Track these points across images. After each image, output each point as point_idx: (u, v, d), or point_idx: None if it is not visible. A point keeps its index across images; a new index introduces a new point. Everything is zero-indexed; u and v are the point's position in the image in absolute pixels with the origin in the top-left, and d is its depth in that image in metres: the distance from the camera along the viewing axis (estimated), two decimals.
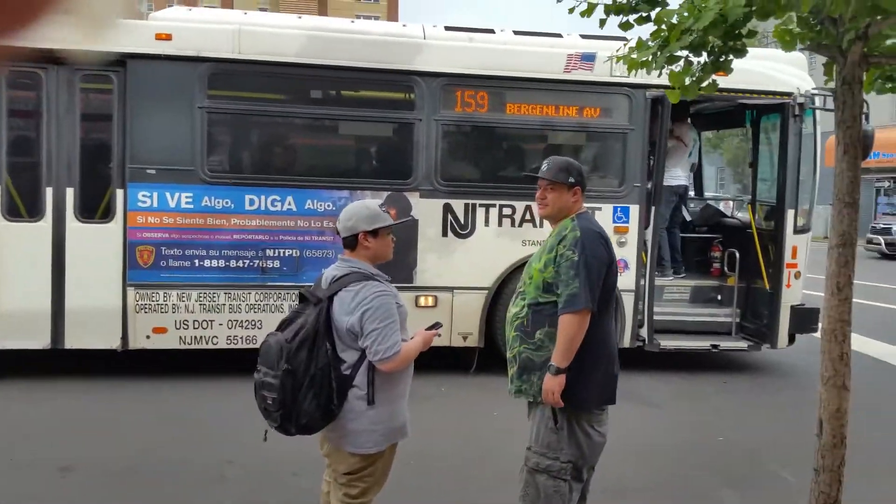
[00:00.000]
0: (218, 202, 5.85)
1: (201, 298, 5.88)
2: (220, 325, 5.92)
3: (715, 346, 6.69)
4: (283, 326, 2.72)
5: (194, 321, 5.89)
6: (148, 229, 5.79)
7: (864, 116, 6.63)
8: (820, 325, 3.21)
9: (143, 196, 5.76)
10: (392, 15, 51.69)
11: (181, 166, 5.78)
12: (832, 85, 3.31)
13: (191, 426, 5.05)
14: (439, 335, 2.87)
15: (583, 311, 2.82)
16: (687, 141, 7.25)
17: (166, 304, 5.85)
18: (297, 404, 2.58)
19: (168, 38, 5.67)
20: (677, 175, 6.99)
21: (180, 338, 5.89)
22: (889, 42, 3.33)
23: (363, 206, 2.82)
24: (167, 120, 5.78)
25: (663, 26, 3.36)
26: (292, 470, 4.28)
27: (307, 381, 2.60)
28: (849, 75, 3.08)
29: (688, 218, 7.20)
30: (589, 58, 6.25)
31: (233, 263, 5.89)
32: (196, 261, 5.85)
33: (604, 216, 6.10)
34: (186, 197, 5.80)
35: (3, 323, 5.65)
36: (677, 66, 3.53)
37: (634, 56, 3.58)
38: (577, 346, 2.82)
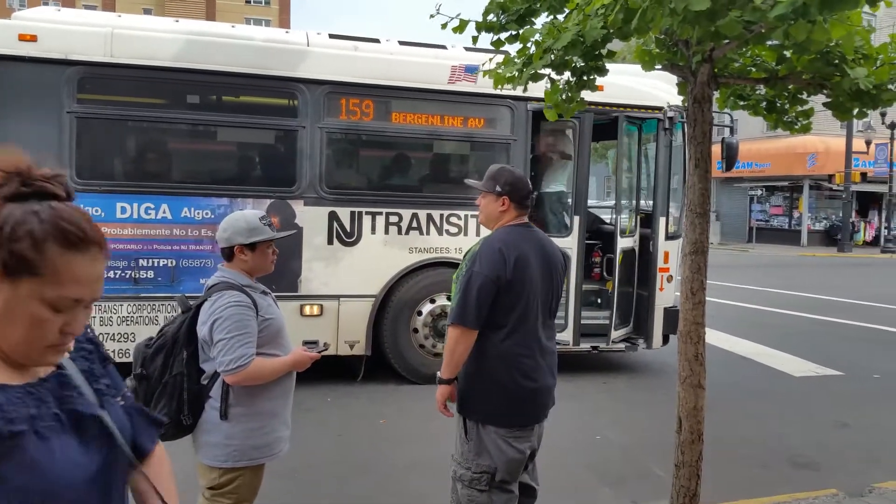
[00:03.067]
0: (87, 210, 5.57)
1: None
2: None
3: (595, 348, 7.04)
4: (160, 332, 2.70)
5: None
6: None
7: (730, 130, 7.33)
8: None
9: None
10: (283, 20, 50.78)
11: None
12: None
13: None
14: (318, 357, 2.74)
15: (459, 327, 2.78)
16: (567, 153, 7.58)
17: None
18: None
19: (33, 39, 5.39)
20: (558, 183, 7.30)
21: None
22: (736, 65, 3.68)
23: (241, 218, 2.71)
24: (32, 124, 5.47)
25: (529, 44, 3.54)
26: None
27: (160, 388, 2.57)
28: (699, 94, 3.30)
29: (567, 224, 7.53)
30: (472, 69, 6.43)
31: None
32: None
33: None
34: None
35: None
36: (546, 84, 3.75)
37: (500, 71, 3.77)
38: (457, 359, 2.82)
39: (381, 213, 6.28)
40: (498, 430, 2.86)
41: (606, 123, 7.03)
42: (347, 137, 6.48)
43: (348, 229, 6.21)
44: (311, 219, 6.10)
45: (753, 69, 3.58)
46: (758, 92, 3.86)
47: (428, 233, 6.37)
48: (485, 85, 6.43)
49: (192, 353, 2.62)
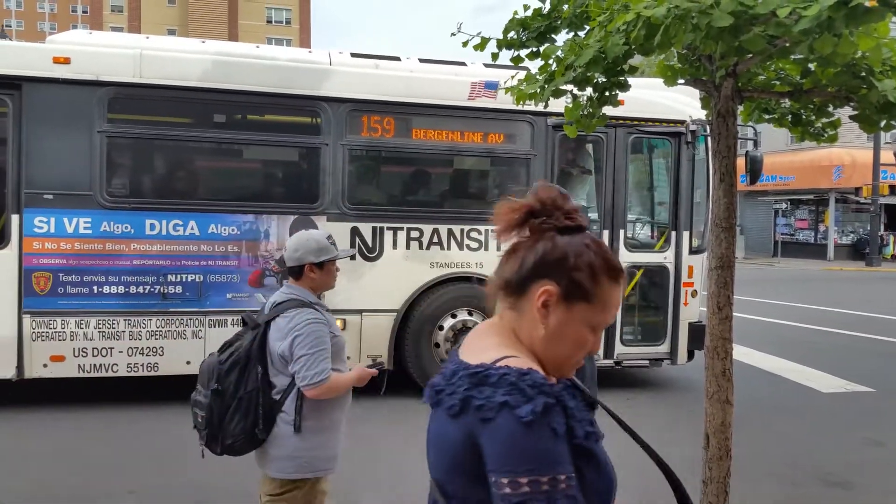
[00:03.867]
0: (117, 227, 5.72)
1: (100, 325, 5.72)
2: (121, 352, 5.77)
3: (618, 364, 6.99)
4: (222, 348, 2.76)
5: (93, 349, 5.72)
6: (45, 255, 5.60)
7: (754, 143, 7.28)
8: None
9: (40, 221, 5.58)
10: (304, 39, 51.48)
11: (79, 191, 5.64)
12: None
13: (90, 456, 4.90)
14: (376, 373, 2.85)
15: None
16: (588, 168, 7.59)
17: (64, 332, 5.66)
18: (223, 425, 2.63)
19: (66, 61, 5.56)
20: (577, 198, 7.31)
21: (79, 366, 5.71)
22: (760, 78, 3.66)
23: (311, 238, 2.83)
24: (65, 144, 5.63)
25: (550, 61, 3.56)
26: (196, 499, 4.22)
27: (234, 404, 2.64)
28: (723, 108, 3.28)
29: None
30: (492, 86, 6.49)
31: (133, 289, 5.76)
32: (95, 287, 5.69)
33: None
34: (84, 222, 5.65)
35: None
36: (567, 100, 3.77)
37: (523, 88, 3.80)
38: None
39: (402, 229, 6.32)
40: None
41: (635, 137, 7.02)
42: (369, 154, 6.56)
43: (370, 244, 6.26)
44: (334, 234, 6.07)
45: (778, 83, 3.56)
46: (783, 105, 3.84)
47: (449, 248, 6.40)
48: (504, 101, 6.51)
49: (265, 368, 2.70)
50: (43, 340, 5.62)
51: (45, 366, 5.64)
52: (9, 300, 5.56)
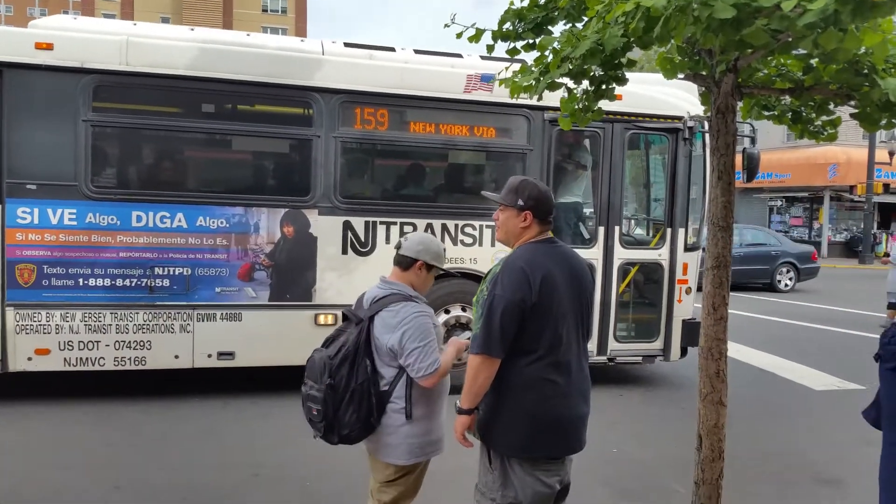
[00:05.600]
0: (103, 219, 5.60)
1: (86, 318, 5.62)
2: (107, 345, 5.67)
3: (611, 360, 6.93)
4: (327, 343, 2.93)
5: (79, 342, 5.62)
6: (28, 247, 5.48)
7: (751, 140, 7.21)
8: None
9: (23, 212, 5.46)
10: (300, 28, 51.16)
11: (63, 181, 5.51)
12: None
13: (74, 451, 4.81)
14: (468, 342, 2.82)
15: (482, 356, 2.59)
16: (584, 163, 7.51)
17: (49, 325, 5.55)
18: (338, 416, 2.79)
19: (49, 47, 5.41)
20: (573, 194, 7.22)
21: (65, 359, 5.60)
22: (761, 74, 3.58)
23: (436, 244, 3.05)
24: (49, 133, 5.50)
25: (547, 53, 3.46)
26: (181, 496, 4.15)
27: (348, 396, 2.79)
28: (722, 105, 3.20)
29: (586, 235, 7.46)
30: (488, 78, 6.38)
31: (119, 282, 5.65)
32: (80, 279, 5.58)
33: None
34: (69, 213, 5.53)
35: None
36: (563, 93, 3.68)
37: (517, 80, 3.71)
38: (479, 388, 2.63)
39: (395, 223, 6.23)
40: (523, 463, 2.65)
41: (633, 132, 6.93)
42: (362, 147, 6.45)
43: (363, 239, 6.16)
44: (326, 228, 6.06)
45: (778, 79, 3.48)
46: (783, 102, 3.76)
47: (443, 242, 6.30)
48: (501, 94, 6.42)
49: (373, 360, 2.84)
50: (27, 333, 5.51)
51: (29, 359, 5.53)
52: None
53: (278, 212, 5.97)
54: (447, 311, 6.42)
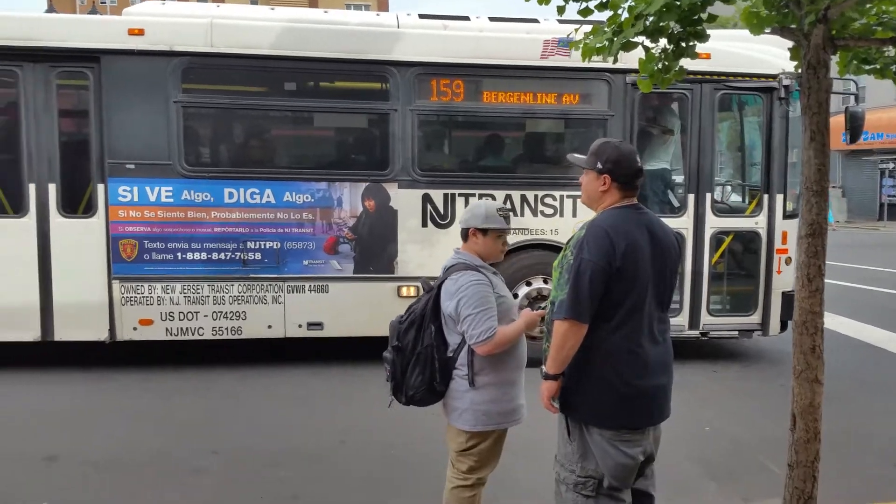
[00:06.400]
0: (197, 196, 5.89)
1: (185, 291, 5.96)
2: (205, 316, 6.00)
3: (704, 335, 6.69)
4: (407, 310, 3.06)
5: (179, 313, 5.97)
6: (130, 223, 5.85)
7: (854, 98, 6.71)
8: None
9: (124, 191, 5.82)
10: (381, 3, 51.36)
11: (159, 161, 5.83)
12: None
13: (175, 417, 5.14)
14: (544, 314, 2.89)
15: (570, 321, 2.54)
16: (671, 127, 7.21)
17: (151, 297, 5.93)
18: (405, 378, 2.93)
19: (141, 33, 5.70)
20: (660, 160, 6.96)
21: (167, 329, 5.98)
22: (857, 24, 3.30)
23: (482, 206, 3.03)
24: (144, 115, 5.81)
25: (620, 11, 3.32)
26: (273, 460, 4.36)
27: (413, 359, 2.92)
28: (812, 59, 2.99)
29: (675, 203, 7.19)
30: (566, 43, 6.21)
31: (215, 256, 5.96)
32: (179, 254, 5.92)
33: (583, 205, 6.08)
34: (166, 191, 5.86)
35: None
36: (640, 54, 3.53)
37: (589, 42, 3.58)
38: (565, 354, 2.59)
39: (473, 195, 6.22)
40: (603, 433, 2.61)
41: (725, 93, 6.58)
42: (439, 119, 6.46)
43: (442, 211, 6.20)
44: (405, 201, 6.13)
45: (879, 28, 3.20)
46: (886, 54, 3.45)
47: (522, 214, 6.26)
48: (580, 58, 6.29)
49: (438, 327, 2.94)
50: (132, 305, 5.91)
51: (134, 329, 5.94)
52: (99, 266, 5.86)
53: (360, 186, 6.09)
54: (528, 284, 6.37)
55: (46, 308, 5.86)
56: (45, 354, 6.24)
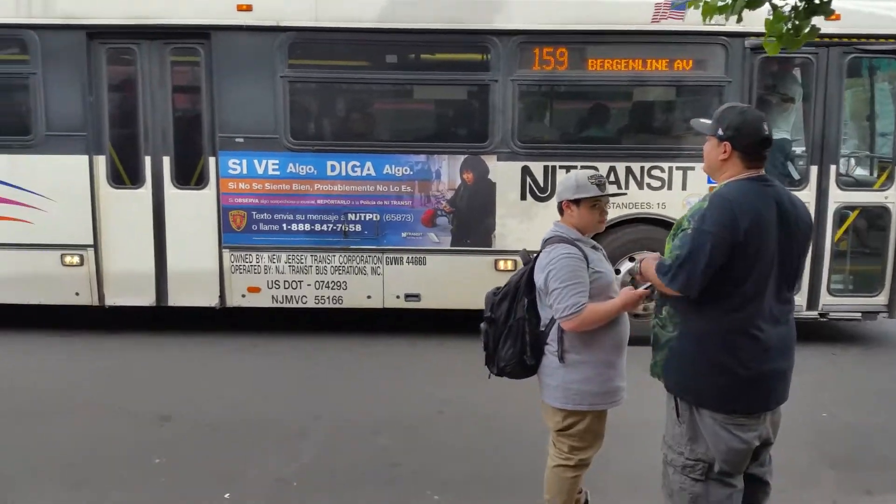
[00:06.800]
0: (302, 168, 6.03)
1: (290, 260, 6.14)
2: (308, 285, 6.17)
3: (823, 315, 6.26)
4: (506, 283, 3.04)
5: (284, 282, 6.17)
6: (239, 195, 6.07)
7: None
8: None
9: (234, 164, 6.03)
10: None
11: (266, 134, 5.99)
12: None
13: (281, 382, 5.34)
14: (650, 296, 2.72)
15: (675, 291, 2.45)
16: (793, 95, 6.71)
17: (259, 266, 6.15)
18: (497, 350, 2.91)
19: (249, 8, 5.83)
20: (780, 130, 6.50)
21: (272, 297, 6.20)
22: None
23: (572, 176, 2.94)
24: (252, 90, 5.97)
25: None
26: (373, 428, 4.44)
27: (505, 331, 2.89)
28: None
29: (795, 176, 6.70)
30: (680, 6, 5.88)
31: (317, 227, 6.09)
32: (284, 225, 6.09)
33: (699, 177, 5.78)
34: (273, 164, 6.02)
35: (112, 282, 6.19)
36: (767, 14, 3.26)
37: (710, 0, 3.34)
38: (664, 296, 2.56)
39: (575, 167, 6.00)
40: (715, 416, 2.48)
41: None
42: (541, 89, 6.30)
43: (542, 184, 6.05)
44: (504, 174, 6.03)
45: None
46: None
47: (627, 187, 6.01)
48: (693, 21, 5.91)
49: (532, 300, 2.88)
50: (240, 273, 6.16)
51: (243, 296, 6.20)
52: (210, 236, 6.13)
53: (458, 158, 6.03)
54: (632, 259, 6.13)
55: (161, 275, 6.20)
56: (159, 318, 6.62)
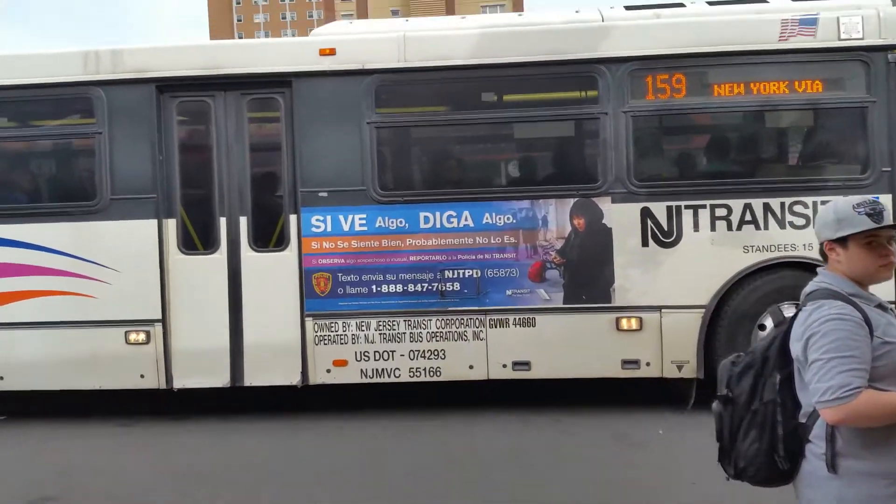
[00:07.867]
0: (392, 222, 5.42)
1: (381, 327, 5.47)
2: (402, 355, 5.47)
3: None
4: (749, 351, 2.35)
5: (375, 352, 5.49)
6: (323, 255, 5.47)
7: None
8: None
9: (317, 220, 5.46)
10: (517, 4, 52.34)
11: (353, 187, 5.44)
12: None
13: (379, 470, 4.60)
14: None
15: None
16: None
17: (345, 335, 5.49)
18: (735, 443, 2.18)
19: (332, 52, 5.42)
20: None
21: (361, 371, 5.50)
22: None
23: (831, 208, 2.18)
24: (336, 139, 5.48)
25: None
26: None
27: (748, 417, 2.14)
28: None
29: None
30: (810, 21, 5.23)
31: (411, 287, 5.44)
32: (373, 286, 5.46)
33: None
34: (360, 219, 5.43)
35: (182, 360, 5.55)
36: None
37: None
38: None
39: (704, 207, 5.29)
40: None
41: None
42: (657, 120, 5.63)
43: (666, 228, 5.31)
44: (621, 218, 5.33)
45: None
46: None
47: (766, 227, 5.24)
48: (826, 38, 5.30)
49: (787, 377, 2.15)
50: (325, 344, 5.49)
51: (328, 371, 5.51)
52: (292, 303, 5.51)
53: (567, 203, 5.37)
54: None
55: (236, 350, 5.57)
56: (229, 398, 5.93)
